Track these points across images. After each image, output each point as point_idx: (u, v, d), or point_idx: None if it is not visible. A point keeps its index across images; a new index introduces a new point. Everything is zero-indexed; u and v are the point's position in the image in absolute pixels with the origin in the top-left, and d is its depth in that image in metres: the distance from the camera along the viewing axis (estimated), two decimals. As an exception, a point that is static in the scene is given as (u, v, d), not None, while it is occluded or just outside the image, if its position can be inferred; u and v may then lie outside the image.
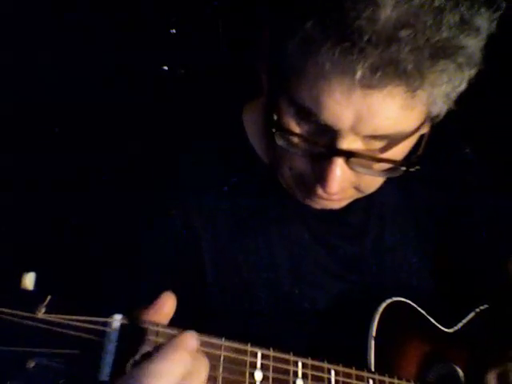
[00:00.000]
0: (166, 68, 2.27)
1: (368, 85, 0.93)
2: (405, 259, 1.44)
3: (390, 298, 1.30)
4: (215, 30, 2.02)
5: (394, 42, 0.88)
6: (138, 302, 1.20)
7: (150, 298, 1.18)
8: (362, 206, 1.36)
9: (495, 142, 1.96)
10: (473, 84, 1.08)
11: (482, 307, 1.49)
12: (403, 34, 0.88)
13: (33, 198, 2.01)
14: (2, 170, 1.96)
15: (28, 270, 0.73)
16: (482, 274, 1.58)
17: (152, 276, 1.26)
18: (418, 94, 0.95)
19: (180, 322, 0.91)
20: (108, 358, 0.76)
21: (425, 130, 1.10)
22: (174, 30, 2.24)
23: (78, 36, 2.19)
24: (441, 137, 1.45)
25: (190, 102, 1.51)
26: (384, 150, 1.06)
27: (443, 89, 0.96)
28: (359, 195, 1.21)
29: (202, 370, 0.83)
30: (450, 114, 1.20)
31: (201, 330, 0.91)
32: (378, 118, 0.98)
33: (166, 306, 0.88)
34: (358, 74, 0.91)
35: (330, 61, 0.92)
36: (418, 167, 1.08)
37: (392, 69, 0.90)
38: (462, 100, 1.19)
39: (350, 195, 1.19)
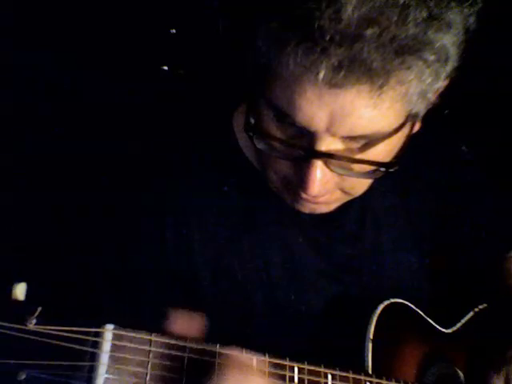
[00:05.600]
0: (166, 68, 2.27)
1: (334, 84, 0.92)
2: (403, 260, 1.44)
3: (387, 299, 1.30)
4: (215, 30, 2.02)
5: (358, 40, 0.88)
6: (135, 306, 1.22)
7: (148, 303, 1.19)
8: (357, 208, 1.36)
9: (493, 141, 1.96)
10: (471, 83, 1.08)
11: (480, 307, 1.49)
12: (368, 32, 0.87)
13: (32, 198, 2.01)
14: (1, 170, 1.96)
15: (19, 280, 0.73)
16: (481, 274, 1.58)
17: (148, 279, 1.26)
18: (386, 92, 0.94)
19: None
20: (101, 369, 0.76)
21: (407, 129, 1.09)
22: (173, 30, 2.24)
23: (77, 36, 2.18)
24: (437, 136, 1.46)
25: (188, 103, 1.50)
26: (364, 150, 1.05)
27: (415, 86, 0.96)
28: (347, 198, 1.21)
29: None
30: (447, 113, 1.21)
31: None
32: (351, 117, 0.97)
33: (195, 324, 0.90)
34: (322, 73, 0.90)
35: (293, 61, 0.92)
36: (396, 167, 1.07)
37: (356, 67, 0.90)
38: (459, 99, 1.20)
39: (337, 198, 1.18)
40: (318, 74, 0.91)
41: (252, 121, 1.07)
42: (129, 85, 2.17)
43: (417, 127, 1.15)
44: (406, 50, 0.90)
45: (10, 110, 2.07)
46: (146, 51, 2.22)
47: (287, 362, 1.00)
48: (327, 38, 0.88)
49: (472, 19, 0.98)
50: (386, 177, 1.10)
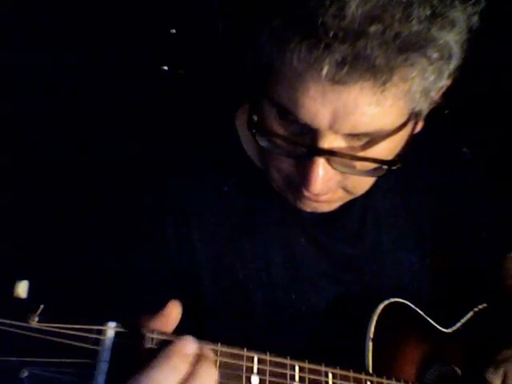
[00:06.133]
0: (166, 68, 2.27)
1: (338, 81, 0.92)
2: (403, 260, 1.44)
3: (387, 299, 1.30)
4: (215, 30, 2.02)
5: (362, 37, 0.88)
6: (135, 305, 1.22)
7: (148, 302, 1.19)
8: (358, 208, 1.36)
9: (493, 141, 1.96)
10: (472, 83, 1.07)
11: (480, 306, 1.49)
12: (371, 29, 0.88)
13: (32, 198, 2.01)
14: (1, 170, 1.97)
15: (21, 278, 0.73)
16: (481, 274, 1.58)
17: (149, 279, 1.26)
18: (389, 89, 0.94)
19: (178, 324, 0.91)
20: (103, 367, 0.76)
21: (410, 127, 1.08)
22: (173, 30, 2.24)
23: (77, 36, 2.19)
24: (438, 136, 1.46)
25: (188, 103, 1.51)
26: (366, 148, 1.05)
27: (418, 84, 0.96)
28: (349, 197, 1.21)
29: (205, 376, 0.83)
30: (448, 113, 1.20)
31: (199, 332, 0.91)
32: (354, 115, 0.97)
33: (172, 314, 0.88)
34: (325, 69, 0.91)
35: (297, 58, 0.92)
36: (399, 165, 1.06)
37: (360, 64, 0.90)
38: (460, 99, 1.19)
39: (339, 197, 1.18)
40: (321, 70, 0.91)
41: (255, 118, 1.07)
42: (129, 85, 2.17)
43: (419, 126, 1.15)
44: (410, 47, 0.90)
45: (10, 110, 2.07)
46: (146, 51, 2.22)
47: (288, 361, 1.00)
48: (331, 34, 0.88)
49: (475, 18, 0.98)
50: (388, 177, 1.10)
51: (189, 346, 0.83)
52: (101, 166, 1.72)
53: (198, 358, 0.84)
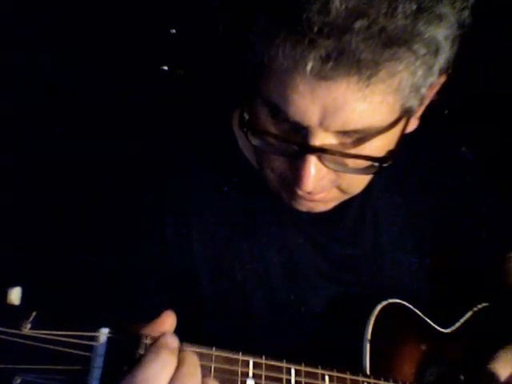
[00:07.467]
0: (166, 68, 2.27)
1: (324, 76, 0.92)
2: (403, 260, 1.44)
3: (385, 300, 1.30)
4: (215, 30, 2.02)
5: (347, 32, 0.87)
6: (134, 306, 1.22)
7: (147, 305, 1.19)
8: (356, 208, 1.36)
9: (493, 141, 1.96)
10: (471, 83, 1.07)
11: (479, 306, 1.49)
12: (356, 24, 0.87)
13: (32, 198, 2.02)
14: (1, 170, 1.97)
15: (14, 284, 0.73)
16: (481, 274, 1.58)
17: (148, 279, 1.26)
18: (375, 84, 0.94)
19: (176, 325, 0.91)
20: (96, 373, 0.76)
21: (401, 125, 1.08)
22: (173, 30, 2.24)
23: (77, 36, 2.19)
24: (437, 136, 1.46)
25: (188, 103, 1.51)
26: (358, 146, 1.04)
27: (407, 79, 0.95)
28: (345, 196, 1.20)
29: (191, 364, 0.83)
30: (447, 113, 1.20)
31: (197, 333, 0.91)
32: (344, 111, 0.96)
33: (166, 324, 0.88)
34: (310, 64, 0.90)
35: (282, 54, 0.92)
36: (390, 162, 1.06)
37: (345, 59, 0.89)
38: (459, 99, 1.19)
39: (334, 196, 1.18)
40: (305, 66, 0.91)
41: (246, 116, 1.07)
42: (129, 85, 2.17)
43: (413, 125, 1.15)
44: (395, 42, 0.90)
45: (10, 110, 2.08)
46: (146, 51, 2.22)
47: (284, 364, 1.00)
48: (315, 29, 0.88)
49: (466, 13, 0.97)
50: (386, 176, 1.10)
51: (173, 339, 0.83)
52: (101, 166, 1.72)
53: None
